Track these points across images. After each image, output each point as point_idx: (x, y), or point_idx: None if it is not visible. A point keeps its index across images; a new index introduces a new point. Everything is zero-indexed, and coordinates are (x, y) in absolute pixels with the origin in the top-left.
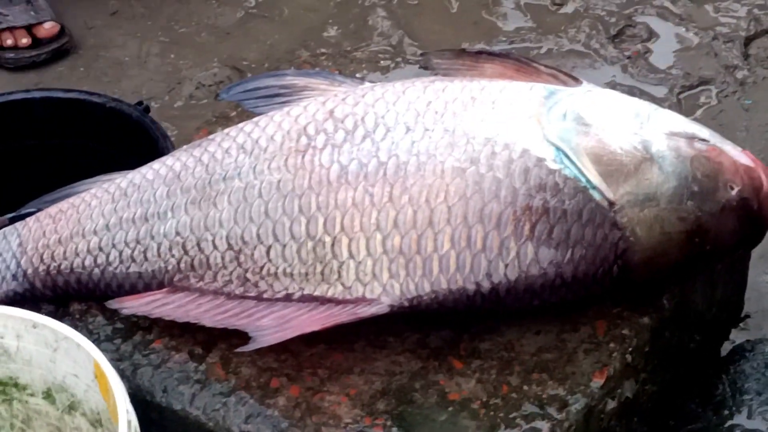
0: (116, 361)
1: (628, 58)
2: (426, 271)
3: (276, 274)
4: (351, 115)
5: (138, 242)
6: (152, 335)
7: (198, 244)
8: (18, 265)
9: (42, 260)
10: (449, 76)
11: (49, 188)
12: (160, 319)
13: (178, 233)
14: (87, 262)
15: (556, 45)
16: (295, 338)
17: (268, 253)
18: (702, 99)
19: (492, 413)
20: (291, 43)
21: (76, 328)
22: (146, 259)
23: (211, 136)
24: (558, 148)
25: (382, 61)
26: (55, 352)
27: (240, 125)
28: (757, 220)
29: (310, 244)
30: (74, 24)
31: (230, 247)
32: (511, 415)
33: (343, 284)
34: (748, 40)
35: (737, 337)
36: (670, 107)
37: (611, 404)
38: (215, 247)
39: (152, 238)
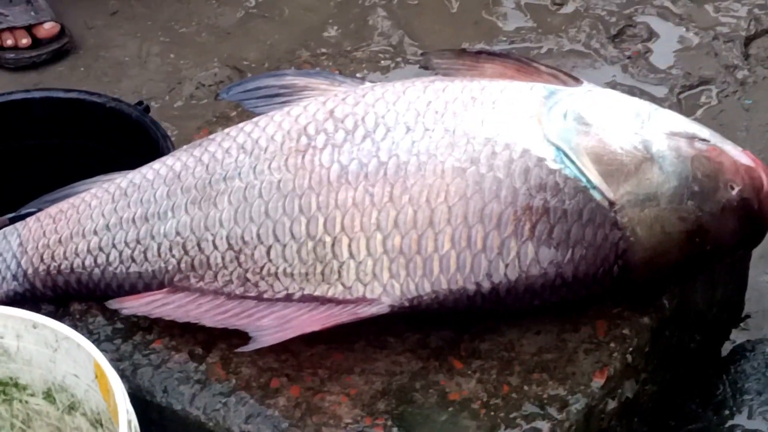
0: (116, 361)
1: (629, 58)
2: (426, 271)
3: (276, 274)
4: (351, 115)
5: (138, 242)
6: (152, 335)
7: (198, 244)
8: (18, 265)
9: (42, 260)
10: (449, 76)
11: (49, 188)
12: (160, 319)
13: (178, 233)
14: (87, 262)
15: (557, 45)
16: (295, 338)
17: (268, 253)
18: (702, 99)
19: (492, 413)
20: (291, 43)
21: (76, 328)
22: (146, 259)
23: (211, 136)
24: (558, 148)
25: (382, 61)
26: (55, 352)
27: (240, 125)
28: (757, 220)
29: (310, 244)
30: (74, 24)
31: (230, 247)
32: (511, 415)
33: (343, 284)
34: (748, 40)
35: (738, 337)
36: (670, 107)
37: (612, 404)
38: (215, 247)
39: (152, 238)
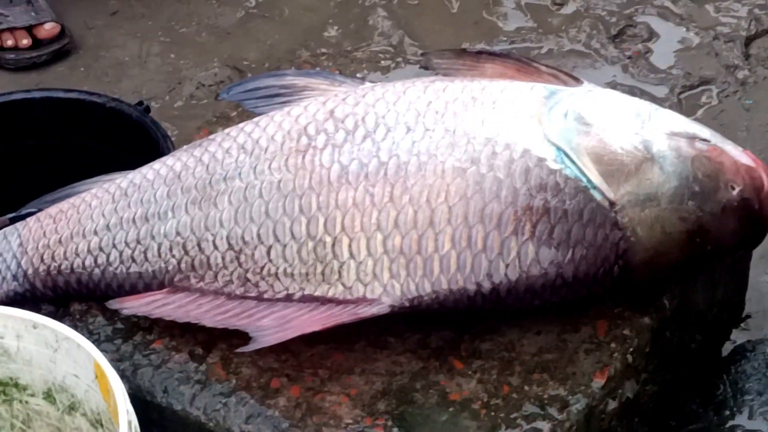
0: (116, 361)
1: (629, 58)
2: (427, 271)
3: (276, 274)
4: (351, 115)
5: (138, 242)
6: (152, 335)
7: (198, 245)
8: (18, 265)
9: (42, 260)
10: (450, 76)
11: (49, 188)
12: (161, 319)
13: (178, 233)
14: (87, 262)
15: (557, 45)
16: (295, 338)
17: (268, 253)
18: (703, 99)
19: (493, 413)
20: (291, 43)
21: (76, 328)
22: (147, 259)
23: (211, 136)
24: (559, 148)
25: (382, 61)
26: (55, 352)
27: (240, 125)
28: (758, 220)
29: (310, 244)
30: (74, 24)
31: (231, 247)
32: (511, 416)
33: (343, 284)
34: (748, 40)
35: (738, 337)
36: (670, 107)
37: (612, 404)
38: (216, 247)
39: (153, 238)
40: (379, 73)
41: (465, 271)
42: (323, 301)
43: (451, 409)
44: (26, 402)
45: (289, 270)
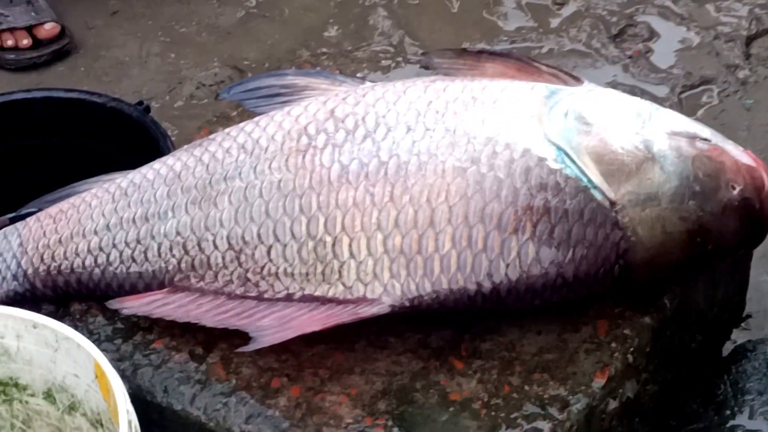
0: (117, 361)
1: (630, 57)
2: (427, 270)
3: (277, 274)
4: (352, 115)
5: (138, 242)
6: (153, 335)
7: (199, 244)
8: (18, 265)
9: (42, 260)
10: (450, 76)
11: (49, 188)
12: (161, 319)
13: (178, 233)
14: (87, 262)
15: (557, 44)
16: (295, 338)
17: (268, 253)
18: (703, 98)
19: (493, 413)
20: (291, 42)
21: (76, 328)
22: (147, 259)
23: (211, 136)
24: (559, 148)
25: (382, 61)
26: (55, 352)
27: (241, 125)
28: (758, 220)
29: (311, 243)
30: (75, 24)
31: (231, 247)
32: (512, 416)
33: (344, 284)
34: (749, 40)
35: (739, 337)
36: (671, 107)
37: (613, 404)
38: (216, 247)
39: (153, 238)
40: (379, 73)
41: (465, 270)
42: (323, 300)
43: (451, 408)
44: (26, 402)
45: (289, 270)
